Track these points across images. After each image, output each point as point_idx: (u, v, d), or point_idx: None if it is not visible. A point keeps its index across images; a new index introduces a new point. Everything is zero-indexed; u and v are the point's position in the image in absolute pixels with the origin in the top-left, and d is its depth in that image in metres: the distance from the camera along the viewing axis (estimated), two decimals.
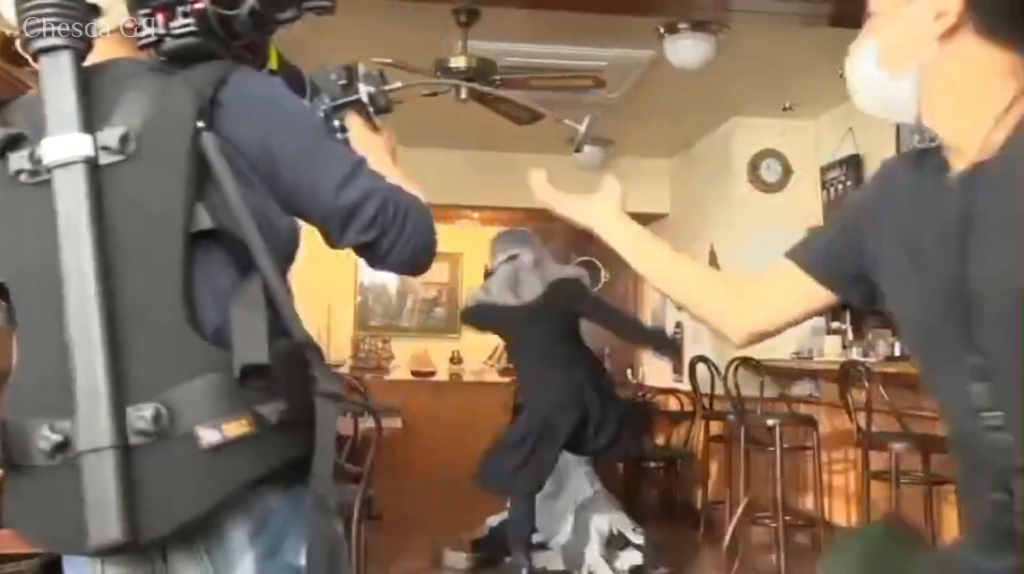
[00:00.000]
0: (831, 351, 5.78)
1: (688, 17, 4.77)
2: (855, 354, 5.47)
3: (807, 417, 5.19)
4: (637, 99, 6.16)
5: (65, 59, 1.15)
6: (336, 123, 1.49)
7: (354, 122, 1.50)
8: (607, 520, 5.00)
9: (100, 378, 1.09)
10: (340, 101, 1.49)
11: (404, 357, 8.86)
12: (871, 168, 6.04)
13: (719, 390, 5.85)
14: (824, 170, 6.39)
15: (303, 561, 1.17)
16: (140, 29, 1.23)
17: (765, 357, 5.64)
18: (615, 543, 4.93)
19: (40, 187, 1.15)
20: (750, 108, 6.50)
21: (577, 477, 5.27)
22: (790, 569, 4.90)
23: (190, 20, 1.21)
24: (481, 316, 5.19)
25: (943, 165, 1.23)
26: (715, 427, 6.06)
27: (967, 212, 1.14)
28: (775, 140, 6.68)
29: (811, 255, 1.41)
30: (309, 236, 1.39)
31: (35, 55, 1.16)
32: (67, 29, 1.14)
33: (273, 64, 1.43)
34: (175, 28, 1.21)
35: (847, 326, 6.09)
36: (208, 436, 1.10)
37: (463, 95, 4.83)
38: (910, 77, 1.21)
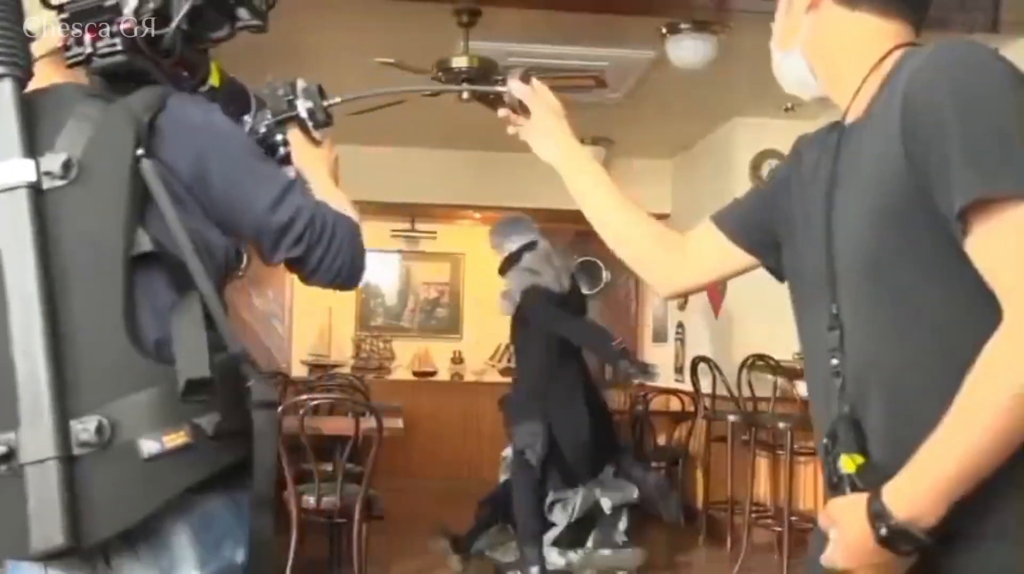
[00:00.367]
0: None
1: (690, 17, 4.77)
2: None
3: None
4: (638, 99, 6.16)
5: (6, 87, 1.20)
6: (279, 137, 1.53)
7: (295, 137, 1.54)
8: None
9: (43, 393, 1.15)
10: (279, 117, 1.53)
11: (405, 357, 8.86)
12: None
13: (720, 390, 5.85)
14: None
15: (244, 558, 1.26)
16: (69, 48, 1.28)
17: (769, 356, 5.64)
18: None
19: None
20: (751, 108, 6.50)
21: None
22: (792, 571, 4.90)
23: (116, 40, 1.25)
24: (541, 300, 4.94)
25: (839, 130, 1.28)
26: (717, 428, 6.05)
27: (834, 172, 1.20)
28: (777, 140, 6.68)
29: (732, 221, 1.48)
30: None
31: None
32: (7, 59, 1.20)
33: (215, 81, 1.46)
34: (101, 47, 1.26)
35: None
36: (148, 447, 1.16)
37: (464, 95, 4.82)
38: (796, 52, 1.29)
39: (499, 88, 1.58)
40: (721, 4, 4.79)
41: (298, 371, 8.32)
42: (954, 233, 1.04)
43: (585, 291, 8.81)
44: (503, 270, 5.12)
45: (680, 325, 7.38)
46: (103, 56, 1.27)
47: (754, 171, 6.70)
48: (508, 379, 8.25)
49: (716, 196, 6.94)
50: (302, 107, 1.54)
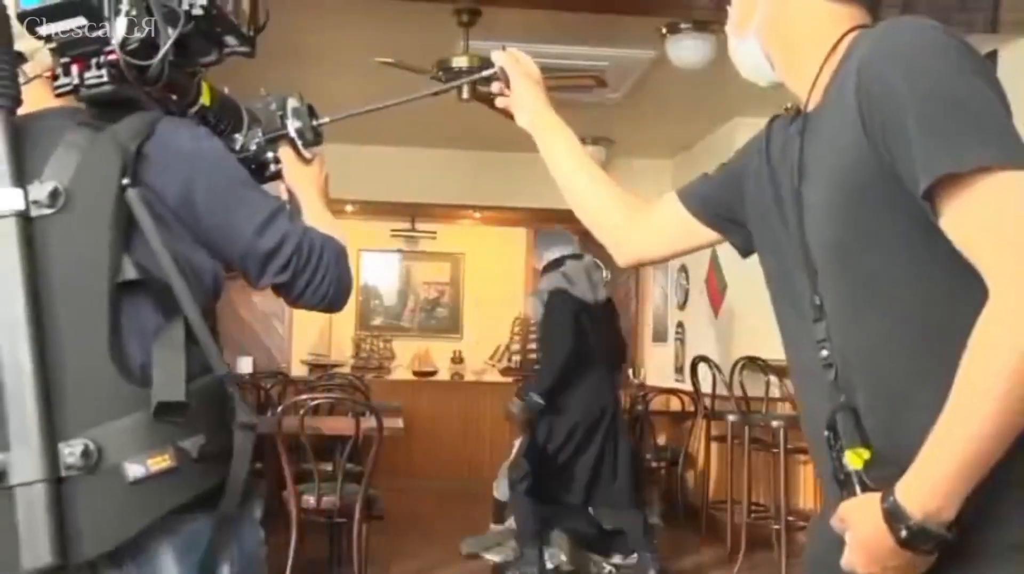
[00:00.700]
0: None
1: (690, 17, 4.77)
2: None
3: None
4: (639, 99, 6.16)
5: None
6: (270, 155, 1.56)
7: (286, 155, 1.57)
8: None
9: (31, 416, 1.18)
10: (269, 135, 1.55)
11: (405, 357, 8.86)
12: None
13: (720, 390, 5.86)
14: None
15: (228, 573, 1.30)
16: (57, 78, 1.30)
17: (765, 356, 5.64)
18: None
19: None
20: (752, 108, 6.48)
21: None
22: (791, 569, 4.90)
23: (103, 71, 1.28)
24: (563, 304, 4.98)
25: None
26: (716, 427, 6.05)
27: (800, 163, 1.18)
28: None
29: (696, 197, 1.50)
30: None
31: None
32: None
33: (206, 100, 1.46)
34: (88, 78, 1.28)
35: None
36: (133, 470, 1.19)
37: (464, 95, 4.83)
38: (751, 37, 1.28)
39: (487, 72, 1.60)
40: (721, 4, 4.77)
41: (298, 371, 8.32)
42: (924, 212, 1.03)
43: None
44: (543, 273, 5.21)
45: (680, 325, 7.38)
46: (90, 87, 1.29)
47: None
48: (508, 379, 8.27)
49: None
50: (291, 126, 1.56)
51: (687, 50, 4.90)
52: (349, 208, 7.52)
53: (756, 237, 1.35)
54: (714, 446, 6.16)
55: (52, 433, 1.18)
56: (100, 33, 1.27)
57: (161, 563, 1.26)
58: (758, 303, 5.62)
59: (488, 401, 8.17)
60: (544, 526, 4.82)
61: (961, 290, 1.02)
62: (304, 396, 4.67)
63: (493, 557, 5.10)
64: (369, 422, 4.23)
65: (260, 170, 1.55)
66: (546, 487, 4.84)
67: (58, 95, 1.31)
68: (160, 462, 1.21)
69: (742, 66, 1.34)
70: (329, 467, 4.52)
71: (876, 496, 1.03)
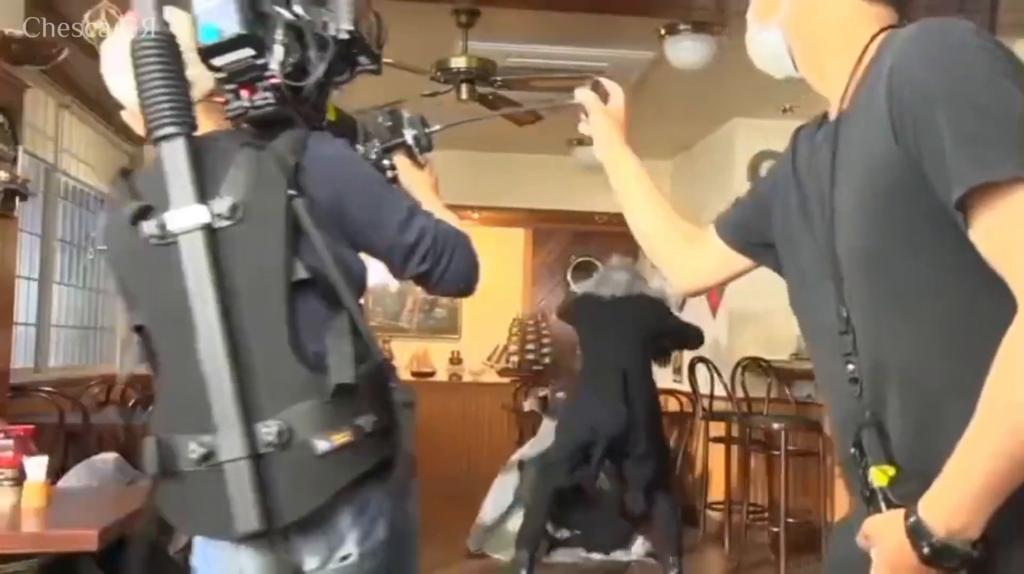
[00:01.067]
0: None
1: (688, 18, 4.77)
2: None
3: (814, 421, 5.19)
4: (637, 100, 6.13)
5: (180, 144, 1.39)
6: (386, 162, 1.75)
7: (401, 162, 1.76)
8: None
9: (230, 403, 1.36)
10: (389, 144, 1.75)
11: (404, 358, 8.86)
12: None
13: (718, 391, 5.85)
14: None
15: (392, 535, 1.49)
16: (228, 103, 1.48)
17: (763, 356, 5.64)
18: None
19: (167, 248, 1.40)
20: (750, 109, 6.50)
21: None
22: (790, 572, 4.90)
23: (268, 94, 1.45)
24: (577, 305, 5.06)
25: (827, 120, 1.23)
26: (715, 428, 6.05)
27: (833, 168, 1.15)
28: (775, 141, 6.68)
29: (728, 225, 1.50)
30: None
31: (156, 142, 1.40)
32: (179, 119, 1.39)
33: (331, 115, 1.64)
34: (257, 101, 1.46)
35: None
36: (321, 445, 1.36)
37: (464, 95, 4.83)
38: (773, 30, 1.26)
39: (572, 103, 1.73)
40: (720, 5, 4.79)
41: None
42: (955, 221, 1.00)
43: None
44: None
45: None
46: (258, 108, 1.46)
47: (753, 171, 6.70)
48: (506, 380, 8.27)
49: (715, 196, 6.94)
50: (408, 135, 1.76)
51: (686, 51, 4.90)
52: None
53: (781, 251, 1.32)
54: (713, 447, 6.16)
55: (249, 416, 1.36)
56: (262, 61, 1.44)
57: (340, 525, 1.44)
58: (756, 304, 5.65)
59: (486, 402, 8.17)
60: (543, 537, 4.87)
61: (991, 301, 0.99)
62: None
63: (502, 557, 5.12)
64: None
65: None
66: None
67: (231, 118, 1.48)
68: (342, 437, 1.37)
69: (758, 56, 1.33)
70: None
71: (900, 513, 1.01)
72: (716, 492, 5.98)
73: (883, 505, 1.05)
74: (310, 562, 1.44)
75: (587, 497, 5.21)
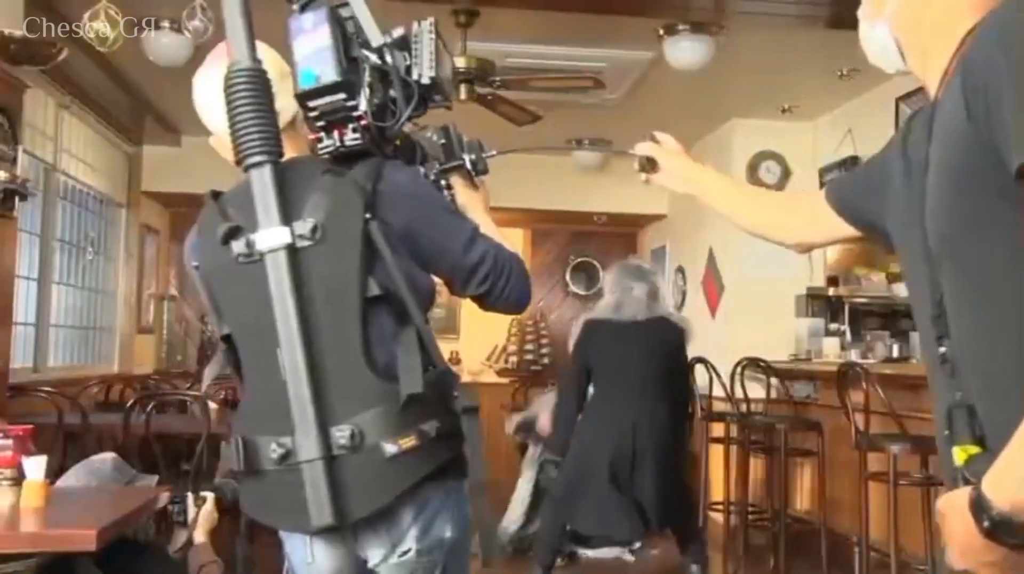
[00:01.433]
0: (830, 352, 5.78)
1: (687, 19, 4.78)
2: (853, 355, 5.48)
3: (813, 422, 5.19)
4: (636, 100, 6.16)
5: (267, 171, 1.51)
6: (443, 183, 1.85)
7: (458, 183, 1.87)
8: None
9: (308, 407, 1.48)
10: (447, 166, 1.86)
11: None
12: None
13: (717, 391, 5.86)
14: (823, 171, 6.39)
15: (448, 534, 1.60)
16: (321, 140, 1.60)
17: (761, 357, 5.64)
18: None
19: (254, 265, 1.52)
20: (749, 110, 6.51)
21: None
22: (789, 571, 4.90)
23: (358, 135, 1.58)
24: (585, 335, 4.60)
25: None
26: (715, 429, 6.05)
27: (926, 154, 1.17)
28: (774, 141, 6.69)
29: (838, 195, 1.55)
30: None
31: (246, 168, 1.52)
32: (267, 148, 1.51)
33: (398, 142, 1.75)
34: (348, 141, 1.59)
35: (846, 327, 6.10)
36: (389, 448, 1.48)
37: (463, 95, 4.83)
38: (883, 24, 1.27)
39: (630, 151, 1.88)
40: (719, 6, 4.79)
41: None
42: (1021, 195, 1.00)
43: (581, 292, 8.87)
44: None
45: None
46: (349, 146, 1.59)
47: (751, 172, 6.70)
48: (505, 380, 8.27)
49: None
50: (467, 158, 1.87)
51: (685, 51, 4.90)
52: None
53: (893, 234, 1.34)
54: (712, 448, 6.16)
55: (325, 420, 1.48)
56: (352, 103, 1.56)
57: (402, 522, 1.56)
58: (755, 304, 5.63)
59: (485, 402, 8.10)
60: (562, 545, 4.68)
61: None
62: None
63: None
64: None
65: None
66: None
67: (322, 155, 1.61)
68: (408, 442, 1.48)
69: (870, 51, 1.34)
70: None
71: (968, 489, 1.02)
72: (715, 493, 5.98)
73: (961, 483, 1.06)
74: (374, 556, 1.59)
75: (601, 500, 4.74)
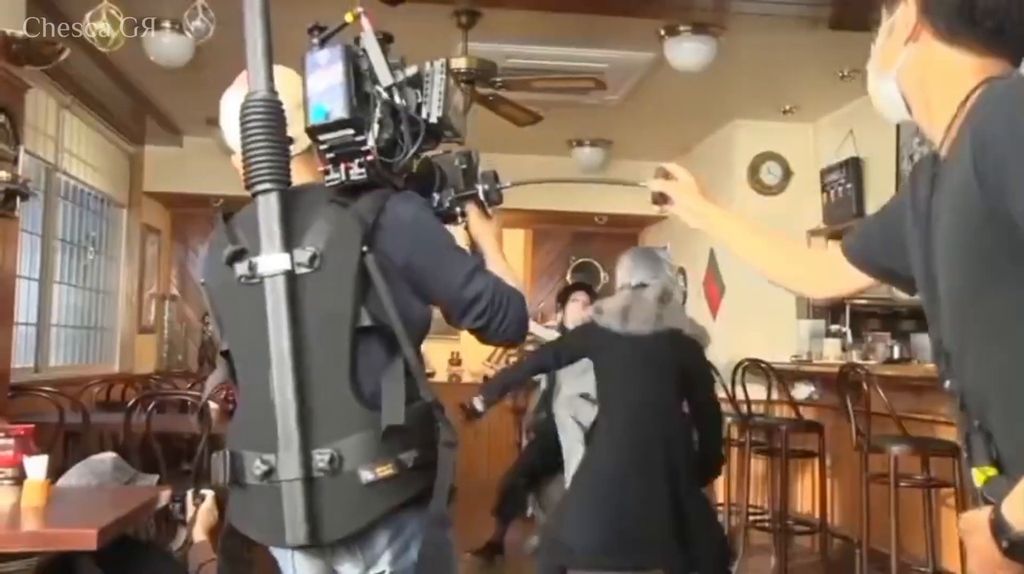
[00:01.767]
0: (830, 354, 5.78)
1: (688, 19, 4.78)
2: (855, 357, 5.47)
3: (814, 423, 5.19)
4: (637, 101, 6.16)
5: (273, 198, 1.57)
6: (458, 210, 1.89)
7: (472, 211, 1.91)
8: None
9: (292, 427, 1.52)
10: (461, 195, 1.90)
11: None
12: (871, 171, 6.05)
13: (718, 392, 5.85)
14: (824, 173, 6.39)
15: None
16: (328, 172, 1.64)
17: (761, 358, 5.64)
18: None
19: (255, 287, 1.58)
20: (750, 111, 6.51)
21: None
22: (791, 573, 4.90)
23: (363, 170, 1.62)
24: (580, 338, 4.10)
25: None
26: None
27: (930, 208, 1.24)
28: (775, 142, 6.68)
29: (855, 251, 1.60)
30: None
31: (254, 195, 1.58)
32: (275, 176, 1.57)
33: (413, 168, 1.79)
34: (353, 175, 1.62)
35: (847, 329, 6.09)
36: (366, 475, 1.52)
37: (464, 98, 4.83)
38: (891, 79, 1.32)
39: (642, 184, 1.93)
40: (720, 6, 4.79)
41: None
42: None
43: None
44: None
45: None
46: (352, 180, 1.62)
47: (753, 173, 6.70)
48: None
49: (714, 198, 6.95)
50: (480, 189, 1.90)
51: (686, 52, 4.90)
52: None
53: (916, 277, 1.40)
54: None
55: (307, 442, 1.52)
56: (361, 138, 1.60)
57: (377, 544, 1.61)
58: (756, 305, 5.61)
59: None
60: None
61: None
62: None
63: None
64: None
65: (451, 222, 1.90)
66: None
67: (328, 185, 1.64)
68: (385, 470, 1.52)
69: (877, 102, 1.40)
70: None
71: (988, 509, 1.11)
72: (716, 494, 5.98)
73: (981, 503, 1.15)
74: (349, 573, 1.64)
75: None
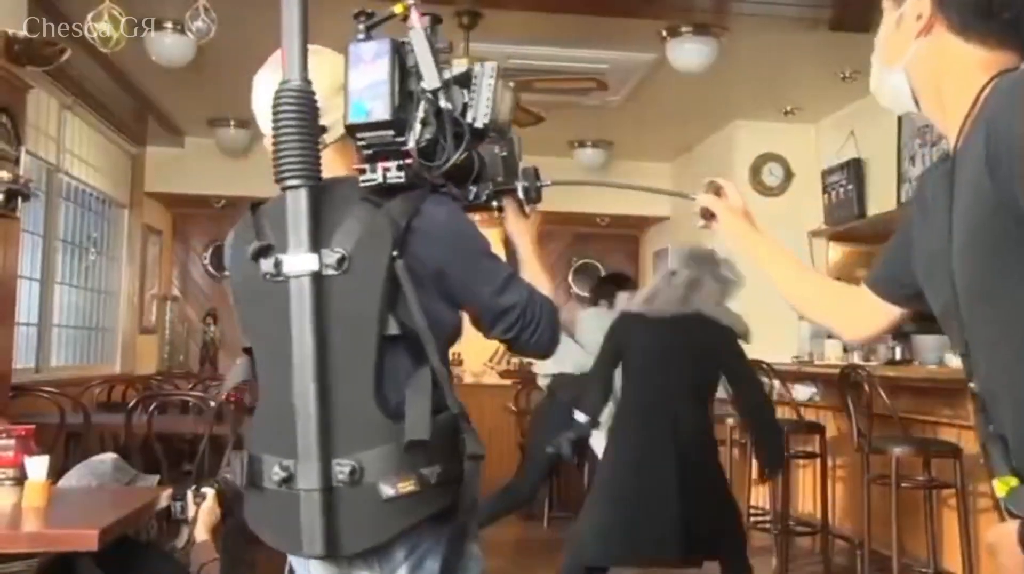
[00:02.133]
0: (832, 355, 5.77)
1: (690, 20, 4.78)
2: (856, 358, 5.47)
3: (815, 424, 5.18)
4: (639, 102, 6.16)
5: (303, 195, 1.49)
6: (494, 203, 1.82)
7: (509, 208, 1.84)
8: None
9: (313, 435, 1.47)
10: (499, 189, 1.81)
11: None
12: (872, 172, 6.05)
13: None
14: (825, 174, 6.39)
15: (439, 571, 1.58)
16: (364, 171, 1.56)
17: (761, 358, 5.64)
18: None
19: (279, 285, 1.52)
20: (751, 112, 6.51)
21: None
22: None
23: (401, 172, 1.54)
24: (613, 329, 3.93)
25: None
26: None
27: (950, 203, 1.21)
28: (776, 143, 6.68)
29: (878, 282, 1.57)
30: None
31: (283, 189, 1.50)
32: (305, 172, 1.49)
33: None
34: (391, 178, 1.54)
35: None
36: (386, 490, 1.47)
37: None
38: (899, 71, 1.30)
39: (691, 196, 1.84)
40: (722, 7, 4.79)
41: None
42: None
43: (584, 294, 8.85)
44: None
45: None
46: (389, 183, 1.55)
47: (754, 174, 6.70)
48: (507, 382, 8.26)
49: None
50: (519, 186, 1.82)
51: (687, 53, 4.90)
52: None
53: (924, 285, 1.37)
54: None
55: (327, 452, 1.47)
56: (401, 139, 1.53)
57: (395, 556, 1.55)
58: (757, 306, 5.55)
59: (487, 403, 8.13)
60: None
61: None
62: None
63: None
64: None
65: (484, 211, 1.85)
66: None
67: (363, 186, 1.56)
68: (406, 486, 1.47)
69: (881, 93, 1.37)
70: None
71: (1016, 522, 1.08)
72: None
73: (1006, 515, 1.12)
74: None
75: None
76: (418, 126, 1.53)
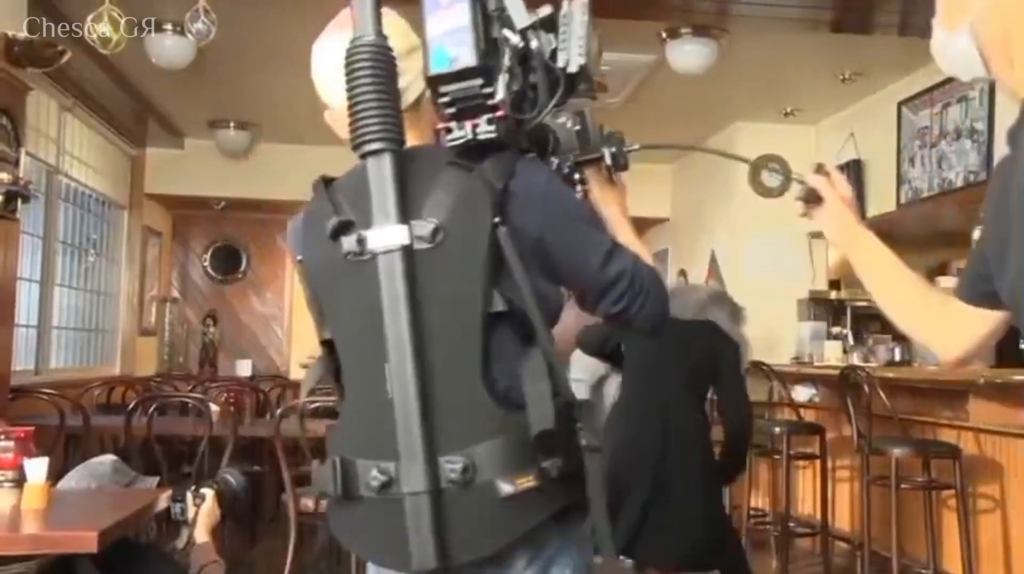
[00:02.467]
0: (832, 356, 5.77)
1: (690, 22, 4.78)
2: (856, 359, 5.47)
3: (815, 425, 5.18)
4: (639, 103, 6.16)
5: (386, 160, 1.33)
6: (576, 176, 1.67)
7: (593, 178, 1.69)
8: None
9: (416, 433, 1.30)
10: (584, 158, 1.67)
11: None
12: (872, 173, 6.05)
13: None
14: None
15: None
16: (450, 131, 1.39)
17: (761, 359, 5.64)
18: None
19: (365, 265, 1.35)
20: (751, 113, 6.50)
21: None
22: None
23: (492, 127, 1.37)
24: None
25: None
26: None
27: (1020, 172, 1.12)
28: (776, 145, 6.68)
29: (967, 288, 1.45)
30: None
31: (362, 155, 1.34)
32: (388, 135, 1.33)
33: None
34: (481, 134, 1.37)
35: (848, 331, 6.09)
36: (505, 488, 1.30)
37: None
38: (965, 33, 1.22)
39: (795, 176, 1.73)
40: (722, 9, 4.79)
41: (297, 374, 8.30)
42: None
43: None
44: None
45: None
46: (480, 139, 1.38)
47: (755, 174, 6.70)
48: None
49: (715, 200, 6.95)
50: (607, 152, 1.69)
51: (687, 54, 4.90)
52: None
53: (994, 269, 1.27)
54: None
55: (434, 450, 1.30)
56: (489, 90, 1.36)
57: (515, 566, 1.37)
58: (757, 307, 5.57)
59: None
60: None
61: None
62: (303, 399, 4.67)
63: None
64: None
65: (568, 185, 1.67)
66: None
67: (451, 145, 1.39)
68: (526, 482, 1.30)
69: (945, 60, 1.28)
70: None
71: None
72: None
73: None
74: None
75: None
76: (506, 75, 1.37)
